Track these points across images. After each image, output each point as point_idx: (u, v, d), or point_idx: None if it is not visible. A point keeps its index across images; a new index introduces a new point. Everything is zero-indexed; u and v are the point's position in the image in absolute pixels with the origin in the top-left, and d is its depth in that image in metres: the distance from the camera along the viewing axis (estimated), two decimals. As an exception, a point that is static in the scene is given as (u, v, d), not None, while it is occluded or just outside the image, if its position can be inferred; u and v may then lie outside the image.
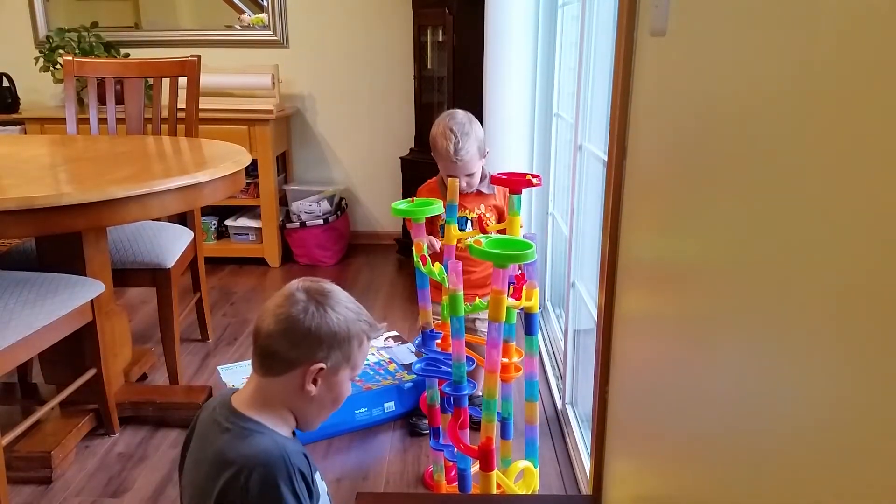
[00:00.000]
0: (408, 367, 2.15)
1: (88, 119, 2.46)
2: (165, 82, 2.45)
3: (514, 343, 1.49)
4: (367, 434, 2.00)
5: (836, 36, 0.51)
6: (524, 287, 1.39)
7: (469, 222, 1.88)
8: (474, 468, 1.44)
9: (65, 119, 2.48)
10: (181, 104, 2.42)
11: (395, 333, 2.46)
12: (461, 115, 1.81)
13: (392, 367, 2.18)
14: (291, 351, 1.06)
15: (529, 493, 1.45)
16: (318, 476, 1.13)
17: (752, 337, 0.65)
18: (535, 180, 1.50)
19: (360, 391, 2.02)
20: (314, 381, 1.07)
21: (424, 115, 3.41)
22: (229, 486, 1.00)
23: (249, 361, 1.99)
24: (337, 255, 3.58)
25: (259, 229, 3.49)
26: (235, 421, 1.07)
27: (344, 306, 1.09)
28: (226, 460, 1.02)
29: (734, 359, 0.70)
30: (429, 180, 1.94)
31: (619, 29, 1.16)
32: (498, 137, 2.68)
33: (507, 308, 1.31)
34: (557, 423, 2.03)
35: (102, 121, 2.45)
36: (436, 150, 1.79)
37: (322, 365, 1.07)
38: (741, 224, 0.68)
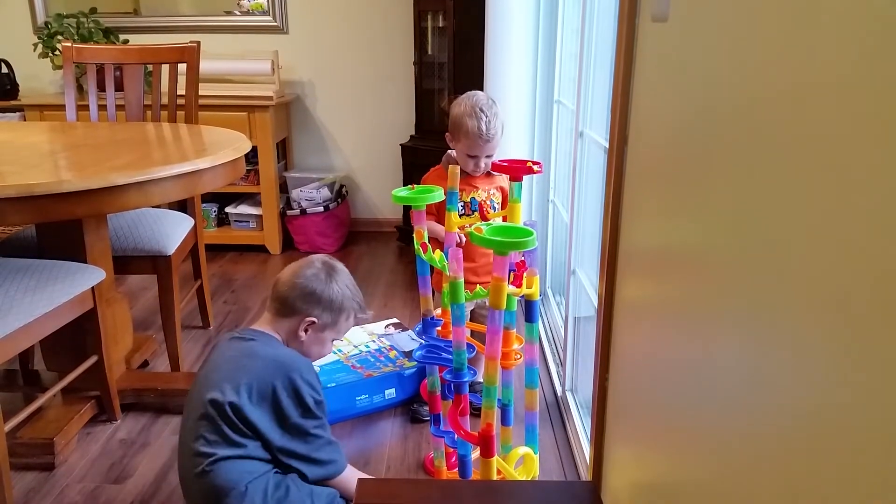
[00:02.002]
0: (408, 355, 2.15)
1: (88, 106, 2.45)
2: (165, 68, 2.44)
3: (515, 330, 1.49)
4: (368, 420, 2.01)
5: (839, 24, 0.51)
6: (525, 274, 1.39)
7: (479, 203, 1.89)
8: (475, 454, 1.45)
9: (64, 106, 2.47)
10: (181, 90, 2.42)
11: (395, 321, 2.46)
12: (483, 95, 1.82)
13: (393, 353, 2.18)
14: (297, 301, 1.43)
15: (529, 478, 1.46)
16: None
17: (752, 324, 0.65)
18: (535, 167, 1.50)
19: (361, 378, 2.02)
20: (305, 330, 1.44)
21: (425, 102, 3.40)
22: (259, 377, 1.34)
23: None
24: (337, 243, 3.58)
25: (259, 216, 3.48)
26: (259, 335, 1.43)
27: (344, 284, 1.47)
28: (255, 354, 1.38)
29: (734, 346, 0.70)
30: (434, 167, 1.92)
31: (620, 14, 1.15)
32: (499, 124, 2.67)
33: (508, 295, 1.31)
34: (557, 410, 2.04)
35: (102, 107, 2.45)
36: (461, 130, 1.78)
37: (314, 319, 1.44)
38: (742, 211, 0.68)
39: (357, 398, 2.00)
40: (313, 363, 1.50)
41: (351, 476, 1.44)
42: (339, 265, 1.50)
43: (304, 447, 1.37)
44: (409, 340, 2.26)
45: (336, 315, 1.46)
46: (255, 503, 1.30)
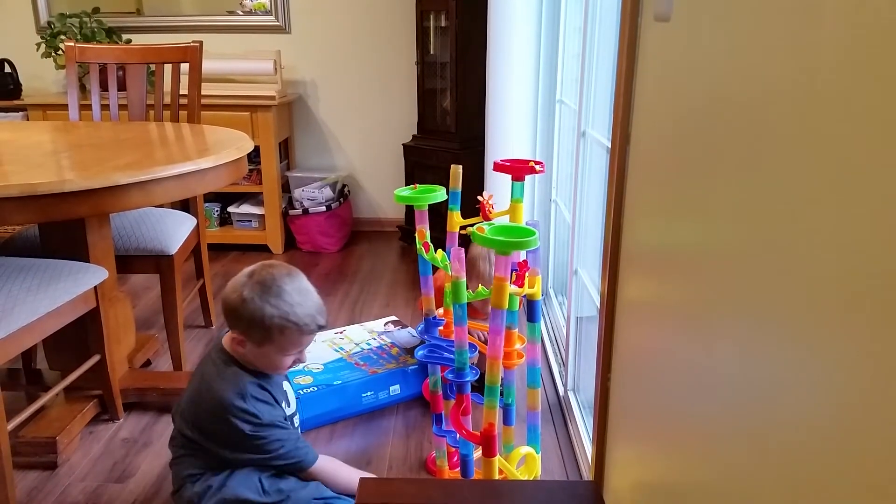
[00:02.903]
0: (410, 351, 2.16)
1: (90, 105, 2.45)
2: (167, 68, 2.44)
3: (517, 330, 1.49)
4: (370, 419, 2.01)
5: (843, 22, 0.51)
6: (527, 274, 1.39)
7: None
8: (476, 454, 1.45)
9: (67, 105, 2.47)
10: (183, 90, 2.42)
11: (394, 318, 2.47)
12: None
13: (395, 350, 2.19)
14: (226, 316, 1.37)
15: (531, 478, 1.46)
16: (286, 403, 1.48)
17: (754, 324, 0.65)
18: (537, 167, 1.49)
19: (367, 375, 2.03)
20: (240, 345, 1.37)
21: (427, 101, 3.40)
22: (200, 403, 1.39)
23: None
24: (340, 242, 3.58)
25: (262, 216, 3.49)
26: (218, 355, 1.42)
27: (271, 303, 1.31)
28: (203, 377, 1.41)
29: (737, 346, 0.70)
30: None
31: (622, 14, 1.15)
32: (501, 124, 2.67)
33: (510, 295, 1.31)
34: (560, 410, 2.04)
35: (105, 107, 2.45)
36: (473, 270, 1.92)
37: (240, 336, 1.35)
38: (745, 211, 0.68)
39: (363, 395, 2.01)
40: (279, 373, 1.46)
41: (323, 469, 1.46)
42: (278, 281, 1.33)
43: (256, 458, 1.40)
44: (409, 337, 2.27)
45: (265, 333, 1.33)
46: (205, 485, 1.40)
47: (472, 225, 1.38)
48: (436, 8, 3.22)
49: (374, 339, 2.27)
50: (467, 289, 1.36)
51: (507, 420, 1.53)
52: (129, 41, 3.49)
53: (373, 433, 1.95)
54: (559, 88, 2.50)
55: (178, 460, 1.45)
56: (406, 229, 3.61)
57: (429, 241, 1.56)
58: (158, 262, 2.14)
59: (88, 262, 1.84)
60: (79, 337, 1.85)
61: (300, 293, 1.36)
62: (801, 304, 0.56)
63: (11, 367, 2.12)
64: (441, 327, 1.60)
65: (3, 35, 3.65)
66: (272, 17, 3.61)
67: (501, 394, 1.44)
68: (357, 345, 2.23)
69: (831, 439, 0.51)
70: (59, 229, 1.88)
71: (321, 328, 1.38)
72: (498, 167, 1.56)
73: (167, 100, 2.45)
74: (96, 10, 3.50)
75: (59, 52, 3.38)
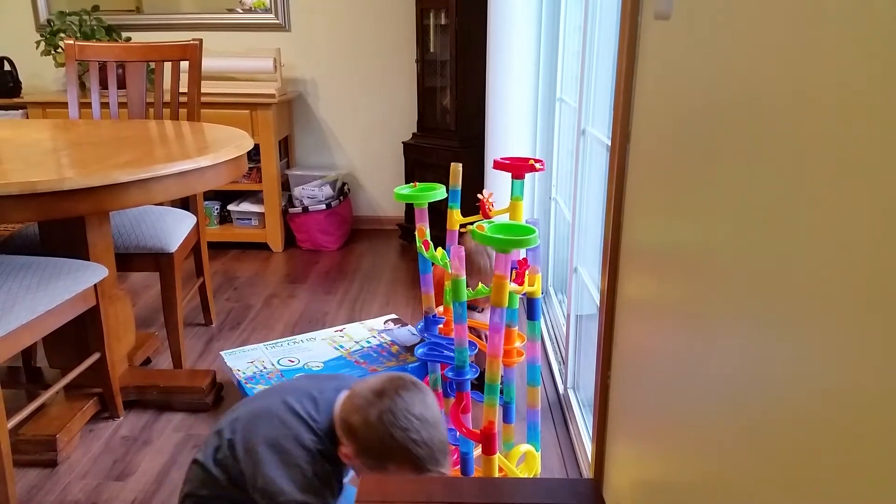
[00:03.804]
0: (410, 349, 2.16)
1: (90, 103, 2.45)
2: (167, 66, 2.44)
3: (517, 328, 1.49)
4: (369, 418, 2.01)
5: (846, 20, 0.51)
6: (527, 272, 1.39)
7: None
8: (476, 452, 1.45)
9: (66, 103, 2.47)
10: (183, 88, 2.42)
11: (393, 316, 2.47)
12: None
13: (395, 349, 2.19)
14: (346, 430, 1.28)
15: (531, 476, 1.46)
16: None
17: (755, 322, 0.65)
18: (537, 165, 1.49)
19: (367, 373, 2.03)
20: (347, 457, 1.27)
21: (427, 99, 3.40)
22: (269, 429, 1.30)
23: (253, 346, 2.06)
24: (340, 240, 3.58)
25: (262, 214, 3.49)
26: (325, 416, 1.30)
27: (396, 437, 1.21)
28: (286, 419, 1.31)
29: (737, 344, 0.70)
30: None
31: (622, 12, 1.15)
32: (501, 122, 2.67)
33: (510, 293, 1.31)
34: (559, 408, 2.04)
35: (104, 105, 2.45)
36: (473, 266, 1.92)
37: (352, 452, 1.26)
38: (746, 209, 0.68)
39: (360, 394, 2.01)
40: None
41: None
42: (408, 406, 1.23)
43: None
44: (409, 335, 2.27)
45: (380, 462, 1.24)
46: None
47: (472, 223, 1.38)
48: (436, 6, 3.22)
49: (374, 337, 2.27)
50: (467, 287, 1.36)
51: (506, 418, 1.53)
52: (128, 39, 3.48)
53: (373, 431, 1.95)
54: (559, 86, 2.50)
55: (197, 466, 1.36)
56: (406, 227, 3.61)
57: (429, 239, 1.56)
58: (158, 260, 2.14)
59: (88, 260, 1.84)
60: (79, 335, 1.85)
61: (428, 427, 1.25)
62: (801, 303, 0.56)
63: (11, 366, 2.12)
64: (441, 325, 1.60)
65: (2, 33, 3.64)
66: (272, 15, 3.61)
67: (501, 392, 1.44)
68: (357, 343, 2.23)
69: (831, 438, 0.51)
70: (59, 227, 1.88)
71: (435, 471, 1.25)
72: (498, 165, 1.56)
73: (167, 98, 2.45)
74: (96, 8, 3.50)
75: (59, 49, 3.38)
